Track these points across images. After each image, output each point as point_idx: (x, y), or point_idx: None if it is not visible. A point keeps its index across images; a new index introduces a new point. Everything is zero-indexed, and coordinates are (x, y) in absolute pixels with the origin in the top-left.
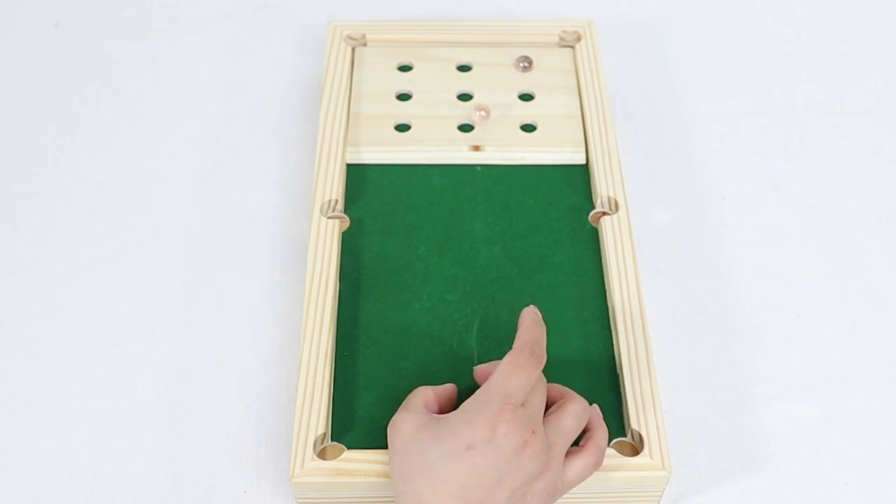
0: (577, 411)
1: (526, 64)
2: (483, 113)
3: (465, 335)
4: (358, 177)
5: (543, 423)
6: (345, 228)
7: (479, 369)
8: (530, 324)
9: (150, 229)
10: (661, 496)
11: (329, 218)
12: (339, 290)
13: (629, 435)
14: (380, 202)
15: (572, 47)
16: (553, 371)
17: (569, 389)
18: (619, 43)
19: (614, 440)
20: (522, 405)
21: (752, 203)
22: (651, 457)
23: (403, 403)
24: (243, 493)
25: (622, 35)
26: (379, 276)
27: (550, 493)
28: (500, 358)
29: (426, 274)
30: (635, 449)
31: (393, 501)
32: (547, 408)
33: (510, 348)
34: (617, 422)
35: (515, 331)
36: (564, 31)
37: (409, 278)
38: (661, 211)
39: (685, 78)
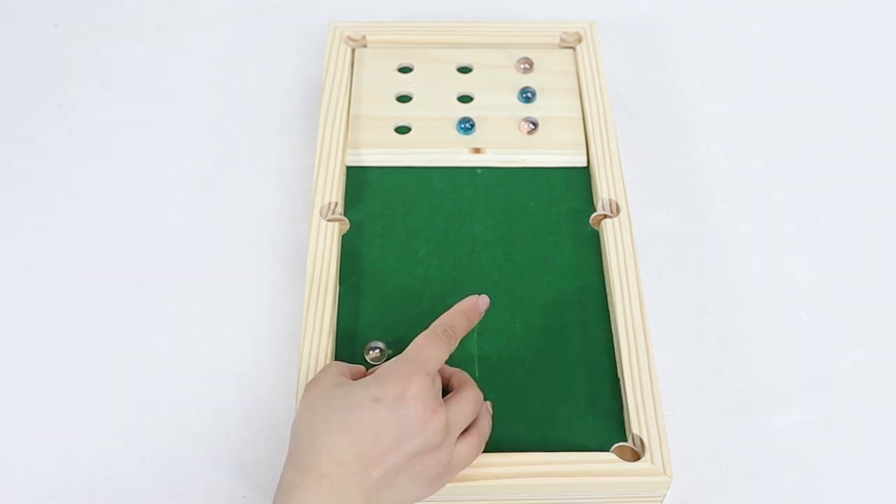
0: (474, 398)
1: (527, 65)
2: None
3: (465, 338)
4: (358, 179)
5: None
6: (345, 231)
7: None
8: (458, 311)
9: (149, 231)
10: (662, 501)
11: (329, 221)
12: (339, 293)
13: (630, 440)
14: (380, 205)
15: (573, 48)
16: (554, 374)
17: (467, 377)
18: (620, 44)
19: (615, 445)
20: (432, 377)
21: (753, 205)
22: (652, 461)
23: (321, 369)
24: (242, 498)
25: (623, 36)
26: (379, 279)
27: (440, 473)
28: (500, 360)
29: (426, 277)
30: (636, 454)
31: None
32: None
33: (511, 351)
34: (618, 426)
35: (516, 334)
36: (565, 33)
37: (409, 281)
38: (663, 213)
39: (686, 79)
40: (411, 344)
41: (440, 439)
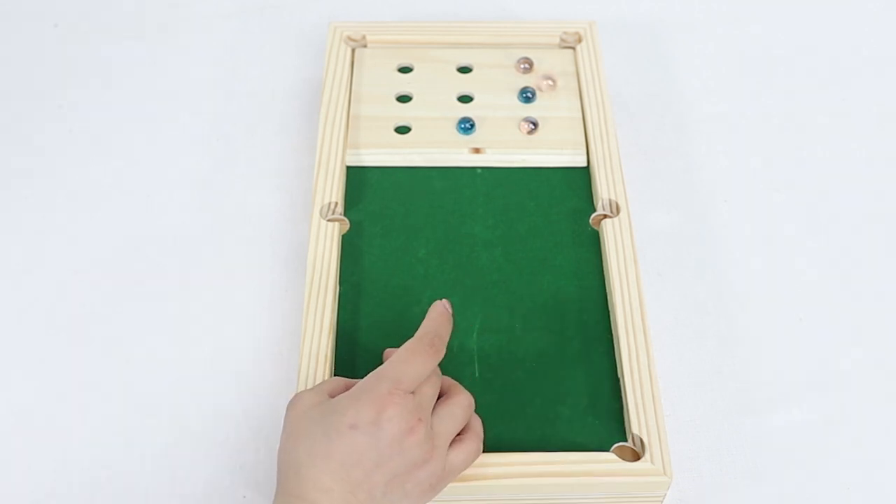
0: (465, 403)
1: (527, 65)
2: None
3: (465, 338)
4: (358, 179)
5: (432, 412)
6: (345, 231)
7: (388, 352)
8: (436, 315)
9: (149, 231)
10: (662, 501)
11: (329, 221)
12: (339, 293)
13: (630, 440)
14: (380, 205)
15: (573, 48)
16: (554, 374)
17: (455, 382)
18: (620, 44)
19: (615, 445)
20: (413, 392)
21: (753, 205)
22: (652, 462)
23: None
24: (243, 498)
25: (623, 36)
26: (379, 278)
27: (433, 484)
28: (500, 360)
29: (426, 277)
30: (636, 454)
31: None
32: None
33: (511, 351)
34: (618, 426)
35: (516, 334)
36: (565, 33)
37: (409, 281)
38: (663, 213)
39: (686, 79)
40: (393, 356)
41: (423, 453)
